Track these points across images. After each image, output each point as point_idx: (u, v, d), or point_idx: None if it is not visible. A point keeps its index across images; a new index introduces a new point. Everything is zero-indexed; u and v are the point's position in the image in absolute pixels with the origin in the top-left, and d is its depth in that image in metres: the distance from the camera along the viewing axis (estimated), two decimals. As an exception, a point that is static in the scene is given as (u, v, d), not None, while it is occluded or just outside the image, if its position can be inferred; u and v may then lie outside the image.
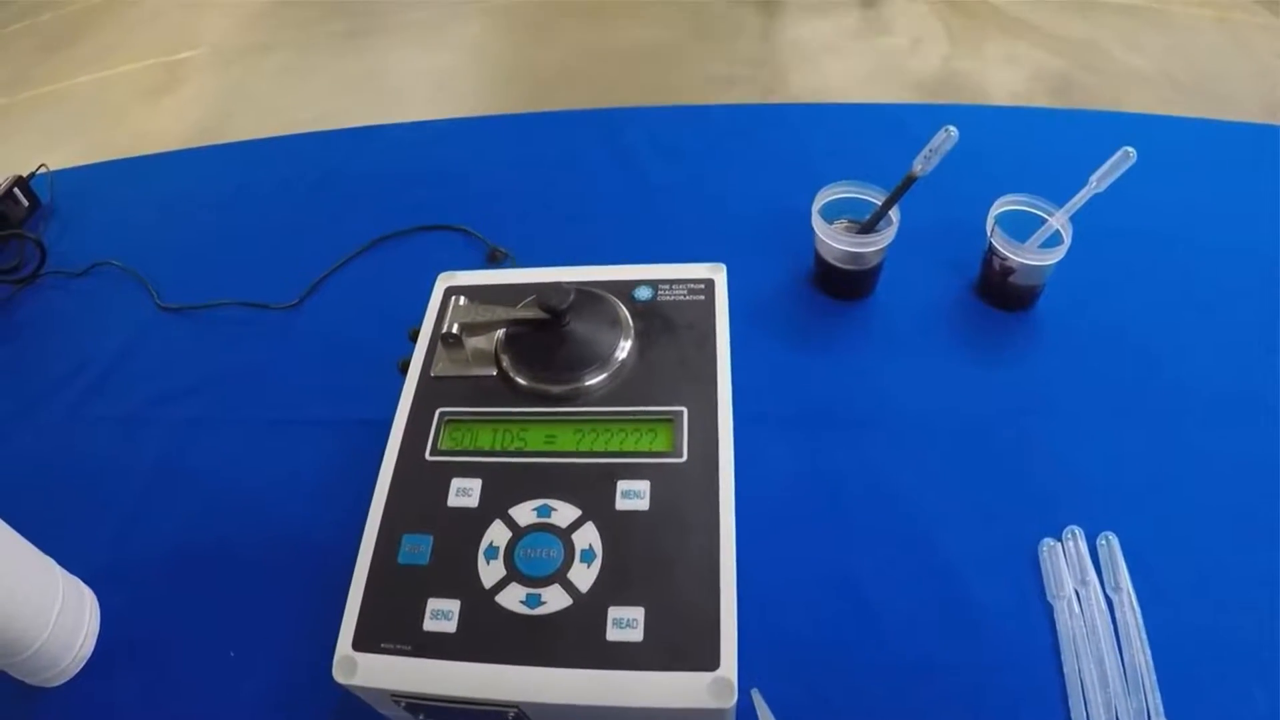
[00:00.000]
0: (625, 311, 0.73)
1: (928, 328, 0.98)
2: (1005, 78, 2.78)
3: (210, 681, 0.77)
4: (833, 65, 2.89)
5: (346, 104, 2.89)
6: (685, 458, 0.64)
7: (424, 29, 3.30)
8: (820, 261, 0.99)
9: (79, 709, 0.77)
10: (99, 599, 0.83)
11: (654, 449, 0.65)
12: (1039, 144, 1.18)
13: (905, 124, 1.18)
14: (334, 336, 1.04)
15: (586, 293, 0.73)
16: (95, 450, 0.97)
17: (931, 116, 0.86)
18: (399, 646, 0.58)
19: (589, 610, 0.58)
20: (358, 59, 3.20)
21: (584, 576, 0.59)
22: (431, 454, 0.67)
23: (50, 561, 0.79)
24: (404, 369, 0.74)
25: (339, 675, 0.58)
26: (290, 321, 1.08)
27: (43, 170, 1.33)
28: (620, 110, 1.34)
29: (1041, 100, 2.65)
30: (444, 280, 0.80)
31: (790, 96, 2.72)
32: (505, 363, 0.71)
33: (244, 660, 0.78)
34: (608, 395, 0.69)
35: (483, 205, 1.18)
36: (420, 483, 0.66)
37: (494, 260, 1.10)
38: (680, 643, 0.56)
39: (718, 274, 0.77)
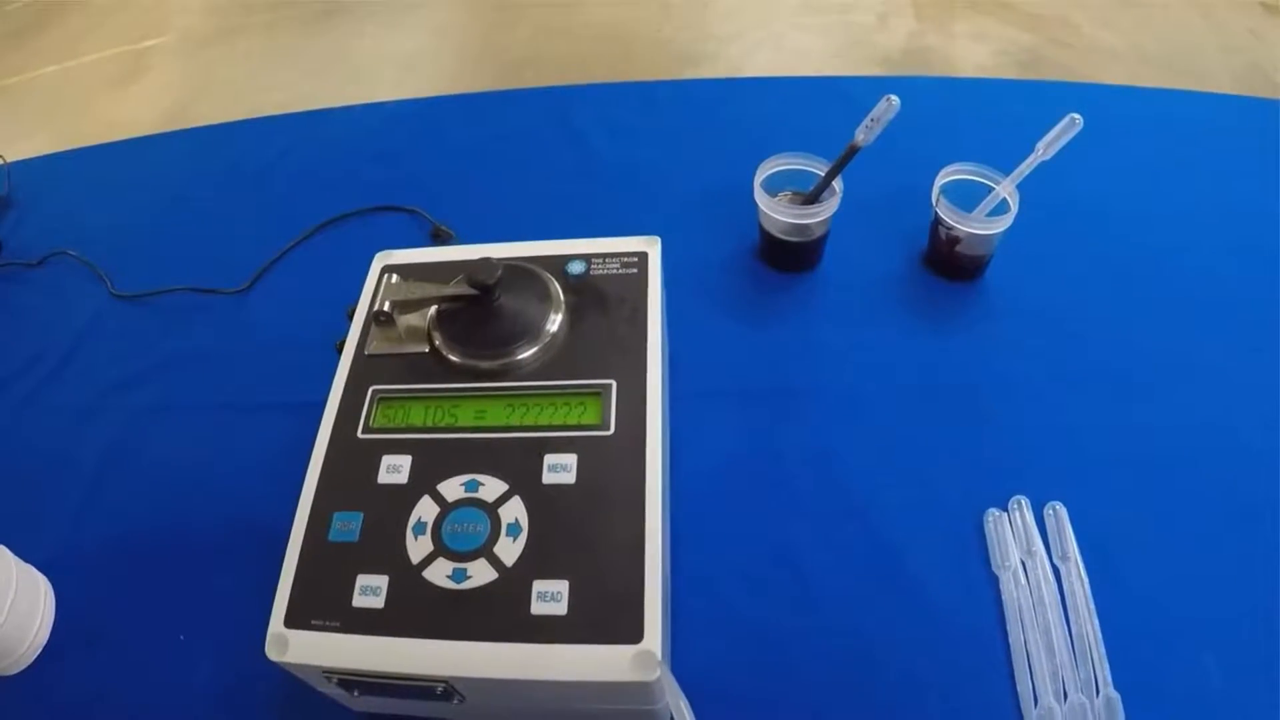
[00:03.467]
0: (556, 286, 0.72)
1: (874, 299, 0.98)
2: (973, 53, 2.77)
3: (166, 666, 0.77)
4: (799, 41, 2.89)
5: (315, 87, 2.87)
6: (613, 430, 0.64)
7: (392, 11, 3.28)
8: (764, 234, 0.99)
9: (37, 696, 0.77)
10: (54, 587, 0.83)
11: (582, 422, 0.65)
12: (990, 114, 1.18)
13: (853, 96, 1.17)
14: (283, 319, 1.04)
15: (517, 268, 0.73)
16: (48, 439, 0.97)
17: (880, 88, 0.86)
18: (329, 623, 0.58)
19: (514, 584, 0.58)
20: (326, 42, 3.17)
21: (510, 551, 0.59)
22: (363, 432, 0.67)
23: (3, 549, 0.78)
24: (340, 349, 0.74)
25: (271, 653, 0.58)
26: (241, 306, 1.07)
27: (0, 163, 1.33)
28: (571, 88, 1.34)
29: (1010, 75, 2.64)
30: (380, 259, 0.80)
31: (757, 73, 2.71)
32: (437, 339, 0.71)
33: (198, 644, 0.78)
34: (538, 370, 0.68)
35: (433, 185, 1.19)
36: (352, 461, 0.66)
37: (438, 239, 1.10)
38: (604, 616, 0.56)
39: (652, 247, 0.76)
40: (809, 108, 1.22)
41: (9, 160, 1.34)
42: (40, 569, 0.83)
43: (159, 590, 0.82)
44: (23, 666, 0.78)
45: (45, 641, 0.79)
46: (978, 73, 2.65)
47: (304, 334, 0.92)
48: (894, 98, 0.84)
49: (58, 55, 3.29)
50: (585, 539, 0.59)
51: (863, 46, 2.84)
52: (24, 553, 0.81)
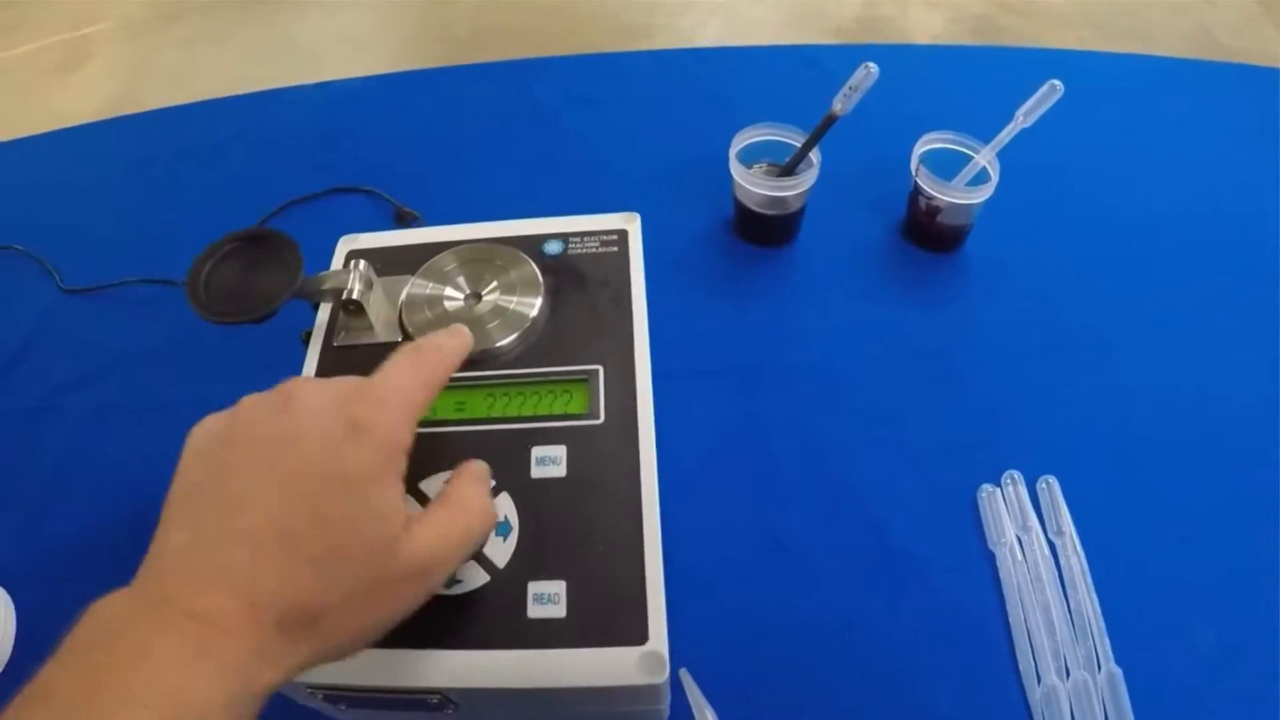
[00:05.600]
0: (534, 268, 0.69)
1: (854, 272, 0.96)
2: (927, 21, 2.78)
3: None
4: (752, 11, 2.88)
5: (260, 71, 2.82)
6: (602, 419, 0.61)
7: (331, -12, 3.23)
8: (740, 207, 0.97)
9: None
10: (14, 599, 0.79)
11: (569, 411, 0.62)
12: (962, 82, 1.17)
13: (824, 64, 1.17)
14: (243, 310, 1.00)
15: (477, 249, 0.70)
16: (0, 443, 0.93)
17: (851, 56, 0.84)
18: (309, 636, 0.55)
19: (508, 587, 0.55)
20: (268, 23, 3.11)
21: (500, 551, 0.56)
22: (336, 429, 0.64)
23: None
24: (306, 340, 0.70)
25: (247, 669, 0.55)
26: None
27: (-61, 157, 1.27)
28: (532, 61, 1.30)
29: (965, 42, 2.65)
30: (345, 244, 0.76)
31: (709, 43, 2.70)
32: (410, 328, 0.67)
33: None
34: (519, 356, 0.65)
35: (392, 165, 1.15)
36: (325, 460, 0.62)
37: (402, 221, 1.06)
38: (606, 617, 0.53)
39: (631, 224, 0.73)
40: (779, 77, 1.21)
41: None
42: (-3, 581, 0.79)
43: (122, 598, 0.79)
44: (-13, 682, 0.74)
45: (8, 657, 0.76)
46: (933, 41, 2.66)
47: (267, 324, 0.89)
48: (872, 65, 0.82)
49: (-7, 45, 3.21)
50: (580, 535, 0.56)
51: (816, 17, 2.83)
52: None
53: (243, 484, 0.44)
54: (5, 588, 0.80)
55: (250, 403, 0.49)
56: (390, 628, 0.45)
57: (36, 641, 0.77)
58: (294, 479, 0.44)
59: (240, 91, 1.36)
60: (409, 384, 0.50)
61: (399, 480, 0.46)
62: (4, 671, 0.75)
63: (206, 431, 0.48)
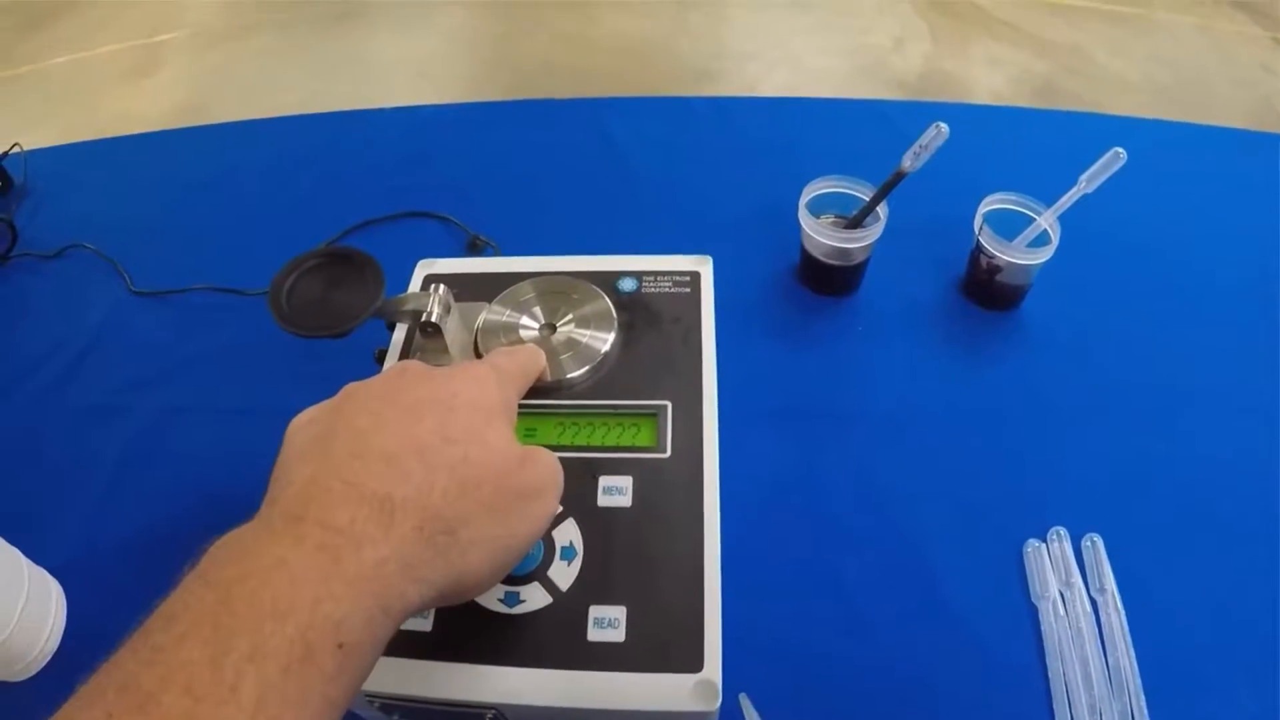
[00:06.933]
0: (609, 303, 0.71)
1: (913, 325, 0.97)
2: (988, 79, 2.78)
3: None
4: (816, 62, 2.89)
5: (328, 88, 2.87)
6: (669, 454, 0.63)
7: (407, 14, 3.28)
8: (806, 256, 0.98)
9: (45, 704, 0.74)
10: (66, 591, 0.81)
11: (637, 444, 0.64)
12: (1026, 143, 1.18)
13: (891, 120, 1.18)
14: (312, 324, 1.02)
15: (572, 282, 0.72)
16: (63, 438, 0.95)
17: (918, 113, 0.86)
18: (373, 644, 0.57)
19: (569, 609, 0.56)
20: (340, 43, 3.17)
21: (564, 575, 0.58)
22: (409, 446, 0.66)
23: (15, 552, 0.76)
24: (380, 359, 0.73)
25: (310, 674, 0.57)
26: (265, 308, 1.05)
27: (16, 150, 1.30)
28: (603, 100, 1.33)
29: (1025, 102, 2.66)
30: (423, 267, 0.79)
31: (772, 91, 2.72)
32: (485, 354, 0.69)
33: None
34: (590, 389, 0.67)
35: (465, 193, 1.17)
36: (397, 476, 0.64)
37: (474, 249, 1.08)
38: (663, 643, 0.54)
39: (704, 266, 0.75)
40: (846, 129, 1.22)
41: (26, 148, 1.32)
42: (52, 573, 0.81)
43: (173, 600, 0.80)
44: (32, 673, 0.76)
45: (55, 648, 0.77)
46: (993, 98, 2.66)
47: (335, 340, 0.91)
48: (943, 125, 0.83)
49: (70, 46, 3.29)
50: (642, 564, 0.58)
51: (879, 69, 2.85)
52: (35, 556, 0.79)
53: (370, 419, 0.45)
54: (61, 582, 0.81)
55: (356, 383, 0.50)
56: (516, 560, 0.47)
57: (86, 636, 0.78)
58: (422, 406, 0.46)
59: (307, 107, 1.38)
60: (513, 365, 0.56)
61: (512, 426, 0.49)
62: (50, 663, 0.77)
63: (308, 416, 0.49)
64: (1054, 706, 0.69)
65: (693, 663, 0.54)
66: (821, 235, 0.93)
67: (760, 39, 2.98)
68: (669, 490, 0.61)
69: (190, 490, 0.89)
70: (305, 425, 0.48)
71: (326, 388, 0.82)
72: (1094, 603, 0.74)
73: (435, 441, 0.44)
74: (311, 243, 1.09)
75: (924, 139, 0.85)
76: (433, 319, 0.68)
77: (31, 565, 0.78)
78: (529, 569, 0.58)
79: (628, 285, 0.74)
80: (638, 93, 1.32)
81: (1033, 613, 0.74)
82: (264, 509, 0.42)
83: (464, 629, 0.57)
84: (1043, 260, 0.91)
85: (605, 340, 0.69)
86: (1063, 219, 0.91)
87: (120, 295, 1.09)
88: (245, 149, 1.33)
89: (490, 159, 1.25)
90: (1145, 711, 0.68)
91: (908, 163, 0.86)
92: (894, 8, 3.12)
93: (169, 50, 3.24)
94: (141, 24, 3.38)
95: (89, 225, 1.19)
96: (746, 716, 0.56)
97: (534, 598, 0.57)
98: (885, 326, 0.97)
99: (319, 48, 3.16)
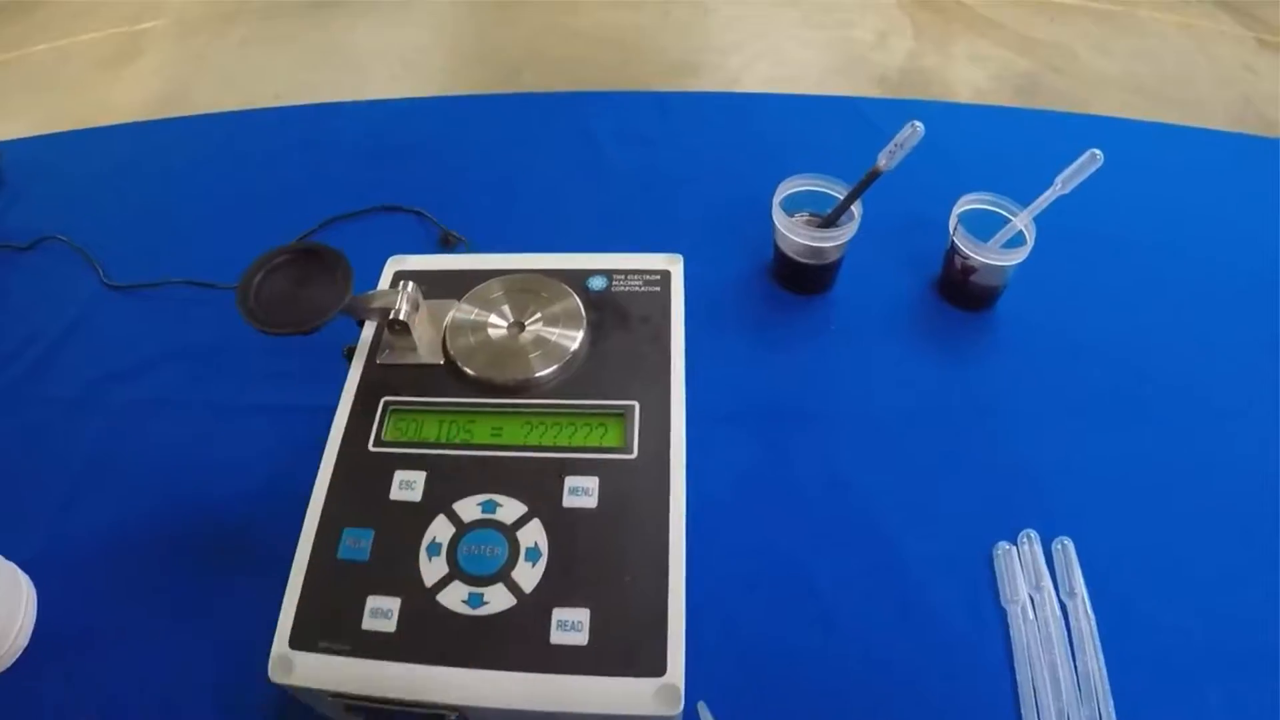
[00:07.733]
0: (579, 302, 0.71)
1: (887, 324, 0.97)
2: (971, 75, 2.78)
3: (150, 674, 0.74)
4: (798, 55, 2.89)
5: (310, 78, 2.85)
6: (636, 454, 0.63)
7: (389, 5, 3.26)
8: (779, 255, 0.98)
9: (15, 700, 0.74)
10: (37, 586, 0.80)
11: (604, 444, 0.63)
12: (1004, 143, 1.17)
13: (868, 117, 1.18)
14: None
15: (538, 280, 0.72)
16: (34, 431, 0.94)
17: (895, 111, 0.86)
18: (337, 646, 0.56)
19: (533, 611, 0.56)
20: (322, 32, 3.15)
21: (528, 576, 0.57)
22: (375, 444, 0.65)
23: (-15, 547, 0.76)
24: (349, 355, 0.72)
25: (275, 675, 0.56)
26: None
27: (-10, 141, 1.29)
28: (583, 94, 1.32)
29: (1007, 99, 2.65)
30: (393, 264, 0.78)
31: (755, 86, 2.71)
32: (453, 352, 0.69)
33: (185, 653, 0.75)
34: (558, 388, 0.67)
35: (439, 187, 1.16)
36: (362, 474, 0.64)
37: (447, 245, 1.08)
38: (626, 647, 0.54)
39: (674, 265, 0.75)
40: (824, 126, 1.21)
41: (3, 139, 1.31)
42: (22, 567, 0.80)
43: (147, 593, 0.80)
44: (3, 668, 0.75)
45: (25, 644, 0.77)
46: (975, 96, 2.66)
47: (305, 337, 0.91)
48: (919, 124, 0.83)
49: (50, 34, 3.25)
50: (607, 566, 0.58)
51: (861, 64, 2.84)
52: (6, 550, 0.79)
53: None
54: (30, 575, 0.80)
55: None
56: None
57: (57, 632, 0.78)
58: None
59: (284, 98, 1.37)
60: None
61: None
62: (20, 659, 0.76)
63: None
64: (1022, 712, 0.69)
65: (656, 667, 0.53)
66: (795, 234, 0.92)
67: (743, 31, 2.97)
68: (635, 491, 0.61)
69: (162, 484, 0.88)
70: None
71: (297, 383, 0.82)
72: (1063, 607, 0.74)
73: None
74: (287, 236, 1.09)
75: (899, 137, 0.84)
76: (400, 317, 0.68)
77: (1, 559, 0.77)
78: (492, 570, 0.58)
79: (597, 284, 0.73)
80: (620, 84, 1.31)
81: (1002, 616, 0.74)
82: None
83: (428, 630, 0.56)
84: (1017, 262, 0.91)
85: (574, 339, 0.68)
86: (1039, 219, 0.91)
87: (94, 288, 1.08)
88: (220, 142, 1.31)
89: (466, 153, 1.24)
90: (1114, 716, 0.68)
91: (883, 161, 0.86)
92: (878, 3, 3.12)
93: (150, 38, 3.21)
94: (123, 12, 3.35)
95: (62, 217, 1.17)
96: None
97: (497, 599, 0.57)
98: (858, 326, 0.97)
99: (300, 37, 3.13)
